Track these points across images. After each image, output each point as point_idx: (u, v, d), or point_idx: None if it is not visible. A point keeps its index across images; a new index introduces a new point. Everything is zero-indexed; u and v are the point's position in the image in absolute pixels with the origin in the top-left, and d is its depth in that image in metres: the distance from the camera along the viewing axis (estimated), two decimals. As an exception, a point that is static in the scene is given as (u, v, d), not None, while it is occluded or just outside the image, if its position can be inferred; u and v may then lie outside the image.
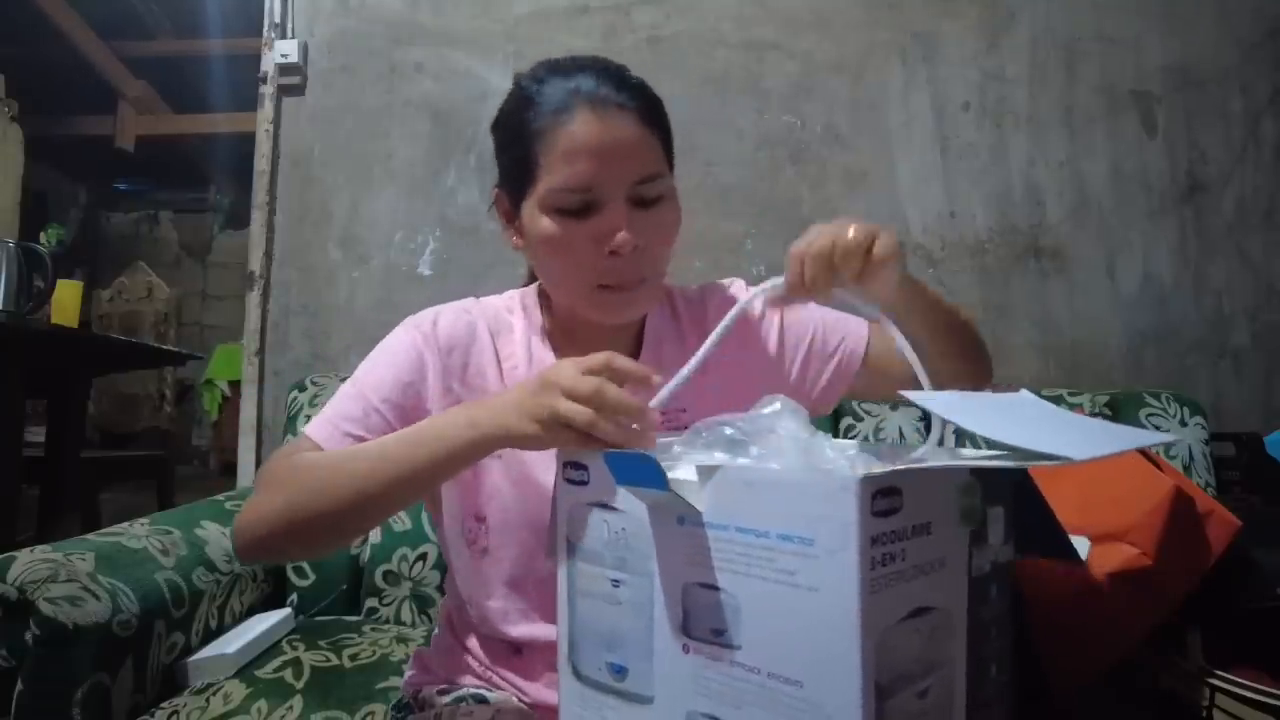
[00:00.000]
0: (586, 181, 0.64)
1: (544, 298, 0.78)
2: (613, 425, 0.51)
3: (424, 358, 0.71)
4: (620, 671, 0.50)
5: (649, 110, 0.68)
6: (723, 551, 0.44)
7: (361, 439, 0.66)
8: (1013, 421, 0.48)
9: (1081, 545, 0.95)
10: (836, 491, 0.39)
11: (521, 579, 0.71)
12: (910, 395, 0.50)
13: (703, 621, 0.45)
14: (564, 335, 0.76)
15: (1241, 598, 0.97)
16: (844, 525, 0.39)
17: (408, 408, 0.69)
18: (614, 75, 0.68)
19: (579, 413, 0.51)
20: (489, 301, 0.78)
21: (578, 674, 0.53)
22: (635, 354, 0.75)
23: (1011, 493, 0.50)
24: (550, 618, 0.59)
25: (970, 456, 0.48)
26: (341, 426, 0.67)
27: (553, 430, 0.53)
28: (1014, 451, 0.44)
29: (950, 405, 0.49)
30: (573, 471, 0.53)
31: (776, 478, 0.43)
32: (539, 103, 0.66)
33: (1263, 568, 0.97)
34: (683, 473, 0.46)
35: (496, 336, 0.75)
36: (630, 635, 0.49)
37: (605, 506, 0.51)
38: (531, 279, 0.82)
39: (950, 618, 0.44)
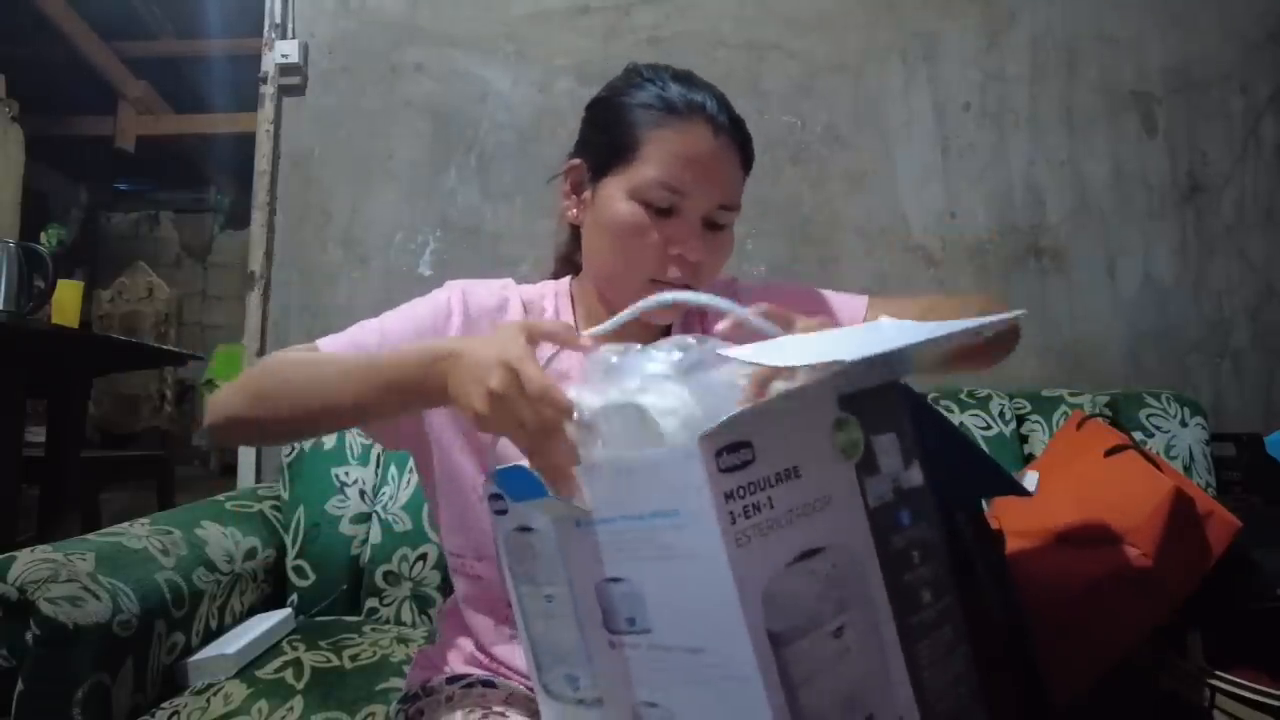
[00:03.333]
0: (685, 185, 0.68)
1: (574, 293, 0.81)
2: (530, 416, 0.48)
3: (451, 319, 0.74)
4: (574, 682, 0.51)
5: (746, 150, 0.74)
6: (615, 543, 0.45)
7: None
8: (844, 342, 0.47)
9: (1030, 480, 0.95)
10: (683, 459, 0.40)
11: None
12: (731, 352, 0.46)
13: (618, 614, 0.46)
14: (591, 326, 0.77)
15: (1242, 598, 0.97)
16: (696, 489, 0.39)
17: None
18: (730, 108, 0.73)
19: (497, 421, 0.50)
20: (524, 286, 0.81)
21: (549, 692, 0.54)
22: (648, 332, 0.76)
23: (906, 416, 0.49)
24: None
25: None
26: (345, 345, 0.72)
27: (484, 422, 0.51)
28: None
29: (763, 351, 0.46)
30: (495, 503, 0.54)
31: (639, 462, 0.44)
32: (665, 98, 0.70)
33: (1263, 568, 0.97)
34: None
35: (528, 314, 0.78)
36: (570, 645, 0.50)
37: (524, 529, 0.52)
38: (561, 272, 0.84)
39: (851, 553, 0.44)
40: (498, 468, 0.51)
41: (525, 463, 0.50)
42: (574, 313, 0.79)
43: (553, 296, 0.80)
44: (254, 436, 0.72)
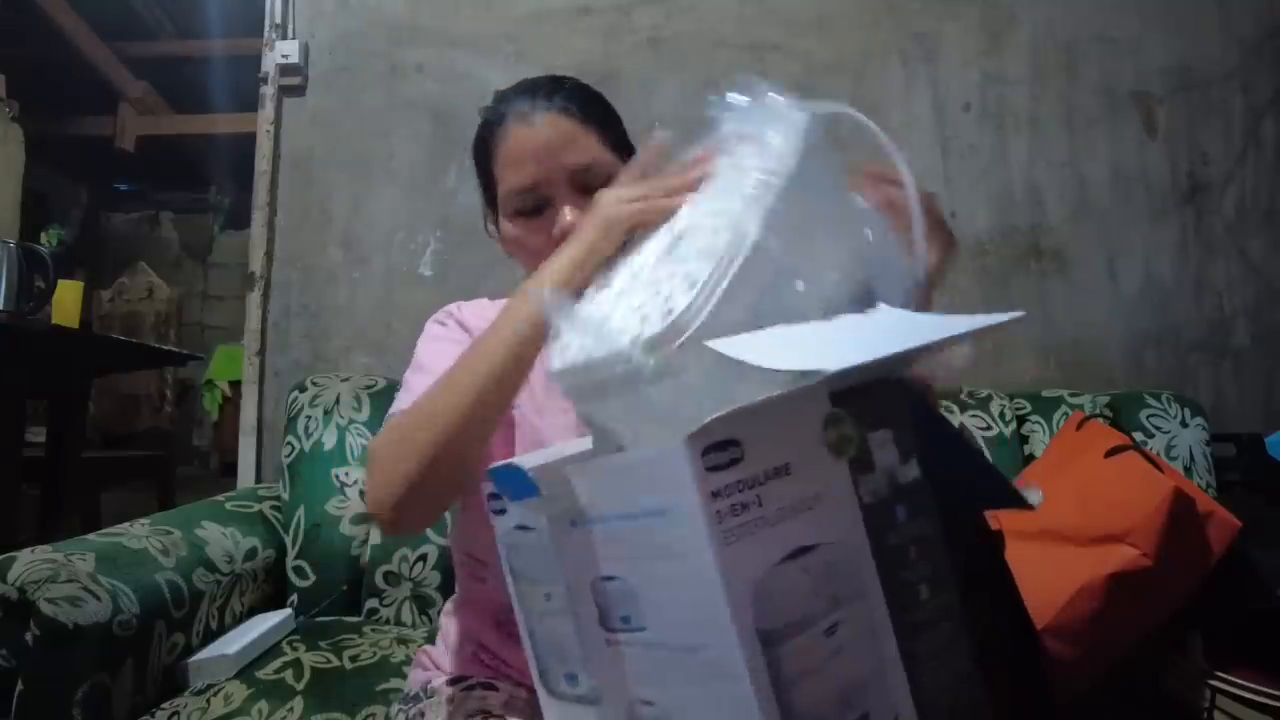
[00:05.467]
0: (527, 182, 0.72)
1: None
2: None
3: (461, 335, 0.80)
4: (573, 680, 0.51)
5: (583, 108, 0.75)
6: (611, 542, 0.45)
7: None
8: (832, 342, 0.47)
9: (1035, 495, 0.95)
10: (670, 458, 0.39)
11: None
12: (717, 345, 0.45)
13: (613, 612, 0.46)
14: None
15: (1242, 599, 0.97)
16: (683, 487, 0.39)
17: None
18: (546, 86, 0.75)
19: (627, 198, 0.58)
20: (502, 300, 0.83)
21: (550, 691, 0.54)
22: None
23: (904, 411, 0.49)
24: None
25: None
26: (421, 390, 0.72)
27: (607, 228, 0.58)
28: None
29: (750, 346, 0.45)
30: (494, 502, 0.54)
31: (629, 461, 0.44)
32: (488, 125, 0.77)
33: (1263, 569, 0.97)
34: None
35: None
36: (569, 642, 0.50)
37: (522, 529, 0.52)
38: None
39: (845, 551, 0.44)
40: (491, 466, 0.51)
41: (517, 461, 0.50)
42: None
43: None
44: (434, 499, 0.66)
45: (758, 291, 0.46)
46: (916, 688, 0.44)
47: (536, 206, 0.73)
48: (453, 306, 0.83)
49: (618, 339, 0.46)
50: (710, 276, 0.45)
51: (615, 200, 0.59)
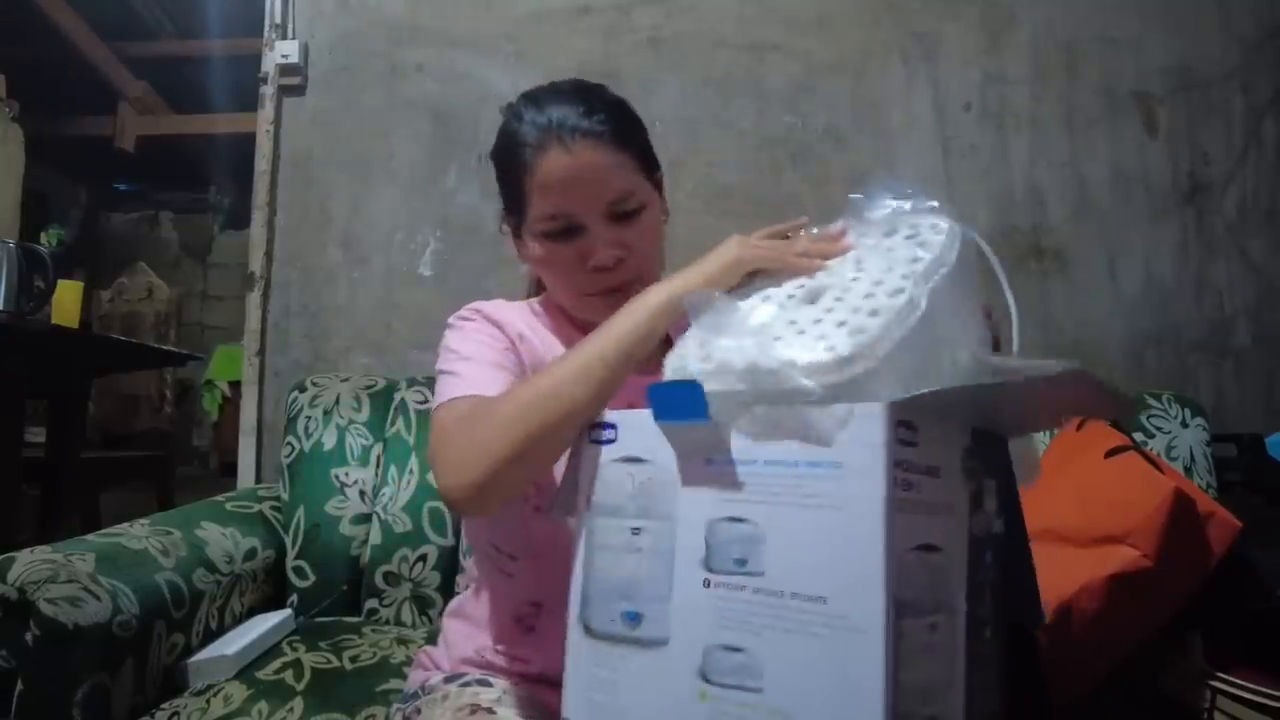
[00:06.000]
0: (563, 210, 0.72)
1: (546, 309, 0.85)
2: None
3: (493, 329, 0.77)
4: (634, 619, 0.52)
5: (619, 131, 0.74)
6: (750, 484, 0.48)
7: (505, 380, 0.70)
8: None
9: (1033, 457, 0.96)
10: (868, 416, 0.43)
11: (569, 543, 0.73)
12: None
13: (726, 554, 0.48)
14: (561, 338, 0.81)
15: (1242, 599, 0.97)
16: (873, 445, 0.43)
17: (510, 361, 0.74)
18: (584, 101, 0.73)
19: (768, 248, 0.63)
20: (499, 302, 0.84)
21: (589, 630, 0.55)
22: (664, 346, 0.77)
23: (1007, 473, 0.54)
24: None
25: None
26: (484, 375, 0.70)
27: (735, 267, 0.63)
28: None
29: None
30: (599, 432, 0.56)
31: (806, 413, 0.46)
32: (519, 138, 0.74)
33: (1263, 569, 0.97)
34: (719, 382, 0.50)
35: (529, 328, 0.81)
36: (646, 580, 0.52)
37: (631, 460, 0.54)
38: (539, 289, 0.89)
39: (953, 563, 0.47)
40: (656, 383, 0.52)
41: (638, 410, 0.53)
42: (547, 326, 0.83)
43: (530, 314, 0.84)
44: (526, 479, 0.65)
45: (917, 354, 0.50)
46: (969, 712, 0.47)
47: (569, 229, 0.73)
48: (472, 307, 0.80)
49: (787, 357, 0.50)
50: (884, 329, 0.50)
51: (747, 244, 0.64)
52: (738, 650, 0.46)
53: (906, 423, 0.44)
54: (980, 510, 0.50)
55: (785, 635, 0.44)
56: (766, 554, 0.46)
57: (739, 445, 0.48)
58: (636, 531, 0.53)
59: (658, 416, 0.52)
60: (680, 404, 0.50)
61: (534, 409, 0.58)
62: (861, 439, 0.43)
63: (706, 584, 0.48)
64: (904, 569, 0.42)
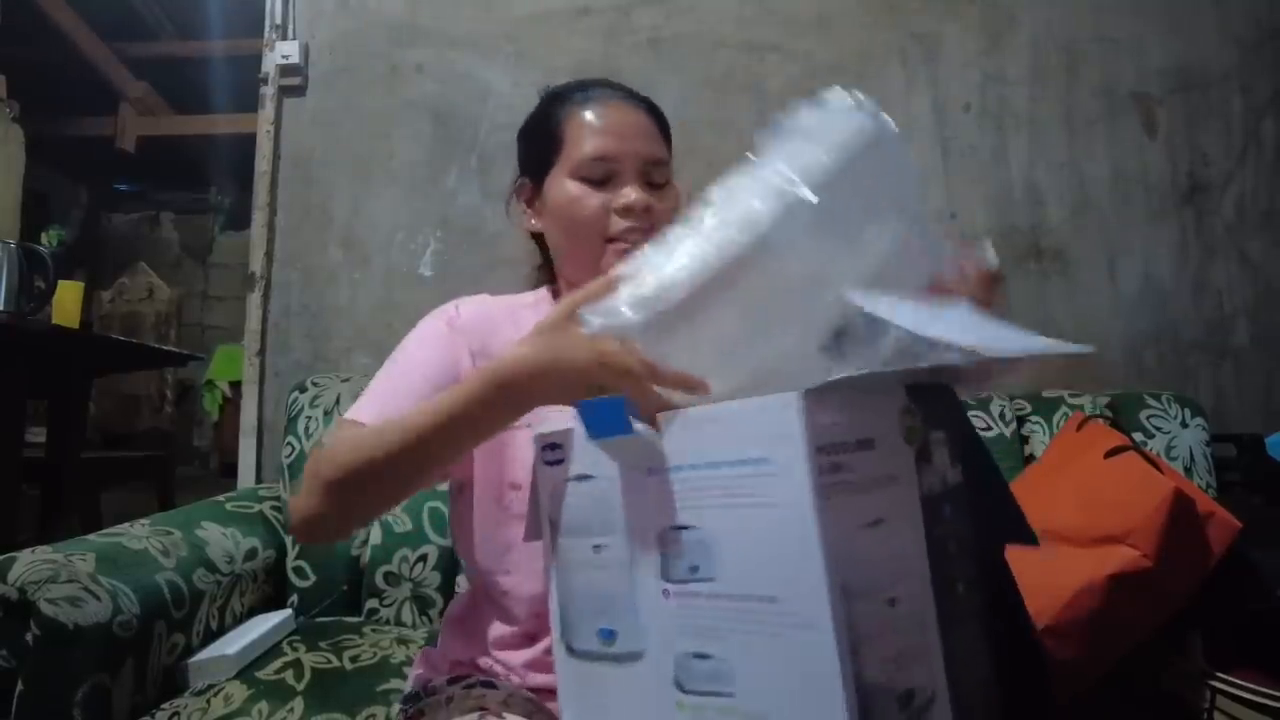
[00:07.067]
0: (610, 152, 0.75)
1: (555, 293, 0.84)
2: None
3: (454, 339, 0.76)
4: (609, 636, 0.52)
5: (657, 116, 0.81)
6: (689, 490, 0.47)
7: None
8: (939, 321, 0.50)
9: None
10: (781, 408, 0.42)
11: None
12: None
13: (679, 563, 0.47)
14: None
15: (1242, 599, 0.97)
16: (792, 438, 0.41)
17: (444, 384, 0.70)
18: (624, 87, 0.82)
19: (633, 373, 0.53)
20: (504, 296, 0.85)
21: (572, 650, 0.55)
22: None
23: (958, 417, 0.53)
24: None
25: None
26: (387, 403, 0.70)
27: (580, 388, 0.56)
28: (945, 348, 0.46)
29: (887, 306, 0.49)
30: (549, 452, 0.55)
31: (727, 411, 0.46)
32: (564, 97, 0.79)
33: (1263, 569, 0.97)
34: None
35: (513, 324, 0.79)
36: (615, 596, 0.51)
37: (582, 478, 0.53)
38: (539, 282, 0.87)
39: (907, 531, 0.46)
40: (584, 400, 0.51)
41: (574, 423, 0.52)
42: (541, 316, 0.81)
43: (533, 301, 0.83)
44: (344, 527, 0.69)
45: (758, 288, 0.49)
46: (952, 680, 0.46)
47: (605, 177, 0.75)
48: (452, 307, 0.80)
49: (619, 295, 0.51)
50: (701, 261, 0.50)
51: (621, 362, 0.52)
52: (706, 657, 0.46)
53: (826, 404, 0.42)
54: (929, 465, 0.48)
55: (747, 638, 0.44)
56: (716, 559, 0.45)
57: (672, 451, 0.47)
58: (598, 549, 0.52)
59: (590, 434, 0.51)
60: (606, 420, 0.49)
61: (361, 458, 0.61)
62: (780, 431, 0.42)
63: (666, 594, 0.48)
64: (854, 551, 0.42)
